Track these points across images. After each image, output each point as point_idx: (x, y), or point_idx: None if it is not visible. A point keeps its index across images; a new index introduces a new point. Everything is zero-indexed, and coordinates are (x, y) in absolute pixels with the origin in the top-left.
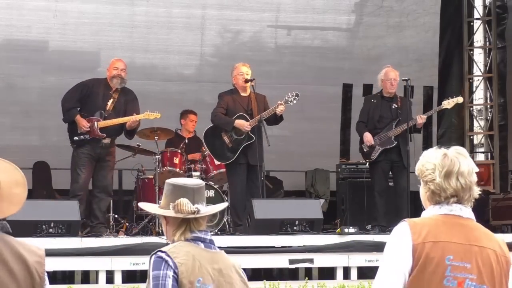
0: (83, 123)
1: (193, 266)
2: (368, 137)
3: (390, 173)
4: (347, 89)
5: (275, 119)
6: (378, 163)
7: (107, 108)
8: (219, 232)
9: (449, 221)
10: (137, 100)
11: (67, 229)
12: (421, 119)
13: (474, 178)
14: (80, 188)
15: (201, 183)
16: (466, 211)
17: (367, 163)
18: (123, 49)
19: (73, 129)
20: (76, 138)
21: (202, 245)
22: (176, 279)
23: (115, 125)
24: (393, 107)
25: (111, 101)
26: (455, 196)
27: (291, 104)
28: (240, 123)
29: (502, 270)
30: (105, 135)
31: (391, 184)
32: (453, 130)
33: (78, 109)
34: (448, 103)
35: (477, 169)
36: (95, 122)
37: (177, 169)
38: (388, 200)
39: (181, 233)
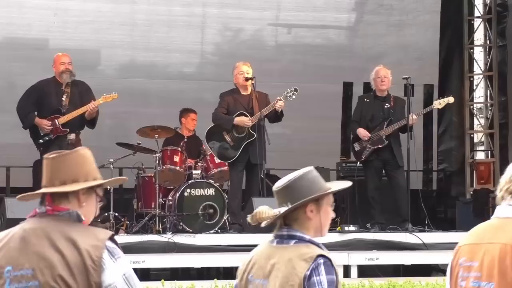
0: (44, 123)
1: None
2: (362, 132)
3: (384, 171)
4: (348, 87)
5: (276, 116)
6: (370, 162)
7: (63, 104)
8: (219, 231)
9: (485, 224)
10: (91, 90)
11: None
12: (412, 119)
13: None
14: None
15: (281, 185)
16: (504, 211)
17: (358, 163)
18: (123, 47)
19: (35, 132)
20: (40, 140)
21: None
22: None
23: (76, 117)
24: (385, 106)
25: (65, 96)
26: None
27: (290, 99)
28: (240, 120)
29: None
30: (68, 130)
31: (384, 178)
32: (453, 128)
33: (36, 112)
34: (439, 103)
35: None
36: (55, 120)
37: (178, 167)
38: (386, 198)
39: None
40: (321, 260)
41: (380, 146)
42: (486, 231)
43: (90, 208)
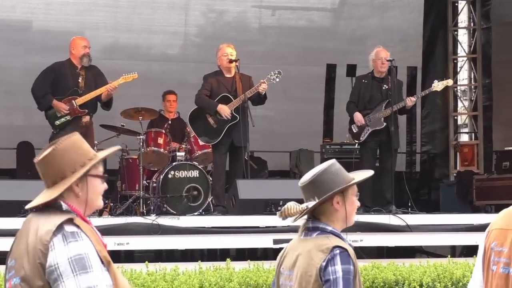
0: (62, 106)
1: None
2: (358, 116)
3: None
4: (331, 69)
5: (260, 99)
6: (367, 143)
7: (80, 86)
8: (203, 213)
9: None
10: (103, 74)
11: None
12: (410, 101)
13: None
14: None
15: (306, 180)
16: None
17: (356, 144)
18: (107, 29)
19: (51, 114)
20: (57, 122)
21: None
22: None
23: (93, 99)
24: (383, 88)
25: (81, 78)
26: None
27: (274, 82)
28: (222, 109)
29: None
30: (86, 110)
31: (377, 165)
32: (437, 110)
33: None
34: (437, 86)
35: None
36: (73, 101)
37: (161, 150)
38: (371, 180)
39: None
40: (337, 251)
41: (378, 128)
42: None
43: (86, 193)
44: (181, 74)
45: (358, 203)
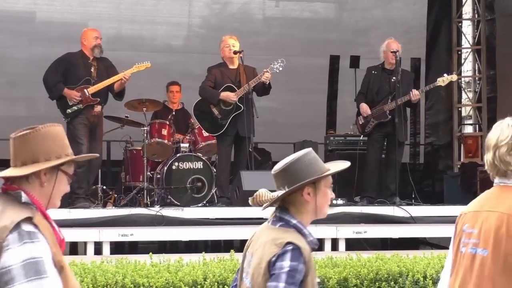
0: (73, 93)
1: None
2: (364, 107)
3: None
4: (334, 60)
5: (264, 89)
6: (372, 136)
7: (92, 75)
8: (207, 204)
9: (489, 191)
10: (114, 66)
11: None
12: (414, 96)
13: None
14: None
15: (278, 168)
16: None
17: (362, 136)
18: (110, 20)
19: (63, 103)
20: (69, 110)
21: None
22: None
23: (103, 89)
24: (392, 80)
25: (93, 68)
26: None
27: (277, 71)
28: (226, 95)
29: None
30: (98, 99)
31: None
32: (441, 102)
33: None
34: (442, 81)
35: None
36: (85, 90)
37: (165, 141)
38: (377, 172)
39: None
40: (289, 247)
41: (383, 121)
42: (488, 199)
43: (51, 188)
44: (185, 65)
45: (332, 195)
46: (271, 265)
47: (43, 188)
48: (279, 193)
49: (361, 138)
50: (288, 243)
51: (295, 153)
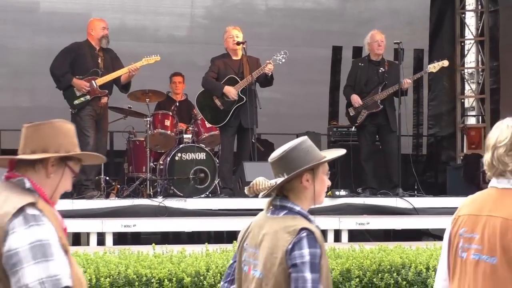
0: (82, 83)
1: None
2: (355, 98)
3: (377, 136)
4: (337, 51)
5: (267, 80)
6: (364, 127)
7: (100, 67)
8: (210, 195)
9: (484, 193)
10: (119, 57)
11: None
12: (406, 83)
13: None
14: (92, 149)
15: (275, 156)
16: (502, 182)
17: (354, 127)
18: (113, 10)
19: (70, 93)
20: (76, 101)
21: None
22: None
23: (110, 81)
24: (380, 70)
25: (100, 59)
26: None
27: (280, 62)
28: (228, 90)
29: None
30: (106, 91)
31: (377, 143)
32: (444, 93)
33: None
34: (433, 67)
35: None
36: (93, 81)
37: (168, 132)
38: (377, 163)
39: None
40: (304, 233)
41: (375, 111)
42: (485, 201)
43: (56, 182)
44: (188, 56)
45: (328, 182)
46: (288, 253)
47: (48, 180)
48: (278, 180)
49: (349, 130)
50: (302, 229)
51: (291, 141)
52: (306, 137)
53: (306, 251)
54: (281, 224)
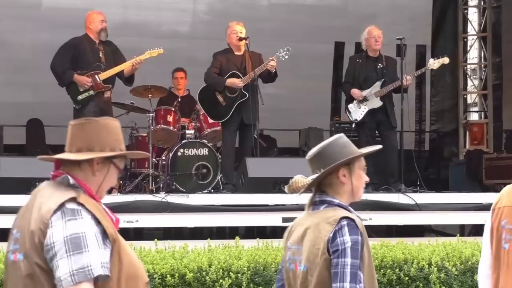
0: (85, 80)
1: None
2: (356, 92)
3: (377, 132)
4: (339, 47)
5: (269, 76)
6: (364, 123)
7: (102, 61)
8: (212, 191)
9: None
10: (119, 49)
11: None
12: (406, 80)
13: None
14: None
15: (312, 153)
16: None
17: (354, 124)
18: (116, 5)
19: (73, 89)
20: (80, 97)
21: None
22: None
23: (115, 74)
24: (378, 66)
25: (101, 53)
26: None
27: (283, 59)
28: (232, 81)
29: None
30: (110, 86)
31: (378, 139)
32: (446, 89)
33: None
34: (433, 64)
35: None
36: (96, 76)
37: (171, 127)
38: (378, 159)
39: None
40: (345, 222)
41: (375, 107)
42: None
43: (102, 178)
44: (191, 51)
45: (366, 178)
46: (329, 242)
47: (94, 177)
48: (315, 176)
49: (352, 126)
50: (342, 218)
51: (328, 139)
52: (342, 134)
53: (347, 237)
54: (322, 216)
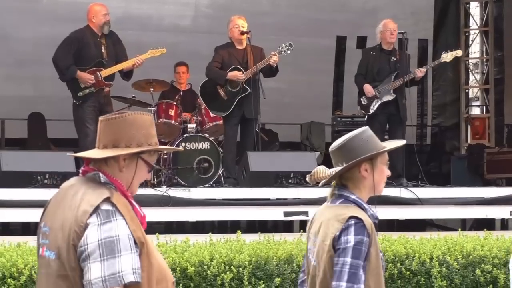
0: (87, 77)
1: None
2: (368, 88)
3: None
4: (341, 41)
5: (271, 71)
6: (375, 116)
7: (104, 56)
8: (214, 185)
9: None
10: (120, 40)
11: (62, 180)
12: (420, 72)
13: None
14: (92, 142)
15: (336, 145)
16: None
17: (366, 116)
18: None
19: (74, 85)
20: (81, 93)
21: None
22: None
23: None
24: (391, 60)
25: (103, 47)
26: None
27: (285, 54)
28: (233, 74)
29: None
30: (112, 83)
31: (386, 137)
32: (448, 83)
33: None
34: (446, 56)
35: None
36: (98, 73)
37: (173, 121)
38: None
39: None
40: (352, 221)
41: (388, 100)
42: None
43: (131, 174)
44: (192, 45)
45: (388, 172)
46: (335, 240)
47: (122, 173)
48: (337, 169)
49: (361, 119)
50: (351, 217)
51: (352, 131)
52: (367, 127)
53: (351, 237)
54: (334, 212)
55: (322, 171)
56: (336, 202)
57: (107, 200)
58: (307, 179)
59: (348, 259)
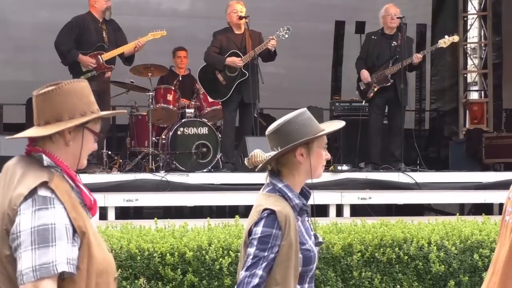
0: (89, 60)
1: None
2: (364, 74)
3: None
4: (340, 26)
5: (269, 55)
6: (374, 101)
7: (105, 41)
8: (212, 170)
9: None
10: (121, 28)
11: None
12: (417, 58)
13: None
14: None
15: (271, 129)
16: None
17: (364, 101)
18: None
19: (75, 69)
20: (82, 77)
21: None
22: None
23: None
24: (392, 44)
25: (104, 33)
26: None
27: (283, 38)
28: (232, 60)
29: None
30: (113, 66)
31: (385, 122)
32: (446, 68)
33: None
34: (444, 42)
35: None
36: (99, 56)
37: (171, 106)
38: (382, 138)
39: None
40: (265, 214)
41: (385, 85)
42: None
43: (78, 147)
44: (190, 30)
45: (327, 156)
46: (250, 232)
47: (68, 148)
48: (272, 154)
49: (363, 103)
50: (265, 209)
51: (288, 114)
52: (305, 109)
53: (259, 229)
54: (258, 202)
55: (259, 155)
56: (265, 190)
57: (45, 184)
58: (245, 162)
59: (253, 250)
